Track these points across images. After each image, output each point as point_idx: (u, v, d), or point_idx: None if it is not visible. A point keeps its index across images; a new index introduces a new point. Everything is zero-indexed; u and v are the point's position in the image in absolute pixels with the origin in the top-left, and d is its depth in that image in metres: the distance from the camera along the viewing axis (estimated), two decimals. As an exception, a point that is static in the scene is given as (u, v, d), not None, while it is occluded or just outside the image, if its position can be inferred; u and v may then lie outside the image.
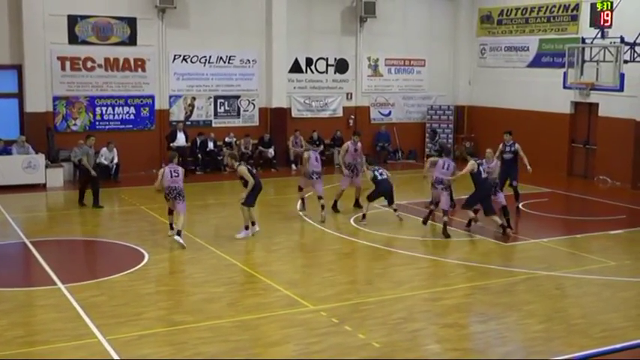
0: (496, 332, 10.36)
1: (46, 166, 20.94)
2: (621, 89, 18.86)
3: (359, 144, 18.15)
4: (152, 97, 23.36)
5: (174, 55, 23.52)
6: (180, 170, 15.06)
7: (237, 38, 24.31)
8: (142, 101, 23.23)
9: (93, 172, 18.20)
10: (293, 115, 25.48)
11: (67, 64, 22.11)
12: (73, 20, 22.04)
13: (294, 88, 25.57)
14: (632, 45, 18.70)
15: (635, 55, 18.85)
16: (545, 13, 24.62)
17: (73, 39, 22.09)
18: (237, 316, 10.64)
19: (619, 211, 18.78)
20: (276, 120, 24.20)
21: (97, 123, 22.69)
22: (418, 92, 27.71)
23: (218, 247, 14.54)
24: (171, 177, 14.77)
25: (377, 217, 17.26)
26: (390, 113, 27.39)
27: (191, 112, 24.09)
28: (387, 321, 10.54)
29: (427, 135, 27.05)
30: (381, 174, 16.77)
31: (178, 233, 14.46)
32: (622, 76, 18.41)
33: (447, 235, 15.39)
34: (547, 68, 24.30)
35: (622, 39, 18.54)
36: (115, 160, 21.83)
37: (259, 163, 23.99)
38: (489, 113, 26.85)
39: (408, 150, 27.40)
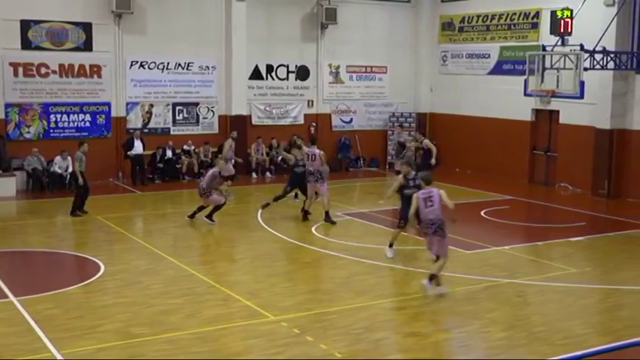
0: (458, 341, 10.39)
1: (-2, 175, 20.42)
2: (581, 96, 19.01)
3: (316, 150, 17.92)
4: (108, 105, 22.95)
5: (132, 62, 23.15)
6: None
7: (196, 44, 24.04)
8: (97, 108, 22.80)
9: (80, 181, 17.95)
10: (253, 122, 25.24)
11: (20, 70, 21.61)
12: (26, 25, 21.55)
13: (255, 95, 25.35)
14: (592, 52, 18.86)
15: (595, 62, 19.01)
16: (506, 20, 24.77)
17: (26, 44, 21.61)
18: (196, 328, 10.47)
19: (580, 218, 18.91)
20: (236, 127, 23.89)
21: (51, 131, 22.19)
22: (380, 99, 27.67)
23: (177, 257, 14.31)
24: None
25: (338, 225, 17.12)
26: (351, 120, 27.30)
27: (149, 119, 23.72)
28: (349, 331, 10.45)
29: (393, 148, 25.29)
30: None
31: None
32: (582, 83, 18.54)
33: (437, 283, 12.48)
34: (508, 75, 24.42)
35: (582, 46, 18.67)
36: (70, 169, 21.30)
37: (219, 171, 23.70)
38: (451, 120, 26.93)
39: (369, 157, 27.32)
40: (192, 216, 17.47)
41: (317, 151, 17.55)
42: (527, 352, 9.81)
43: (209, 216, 17.21)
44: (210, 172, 17.35)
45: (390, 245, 14.46)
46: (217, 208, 17.34)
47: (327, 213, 17.38)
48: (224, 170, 18.86)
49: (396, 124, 27.23)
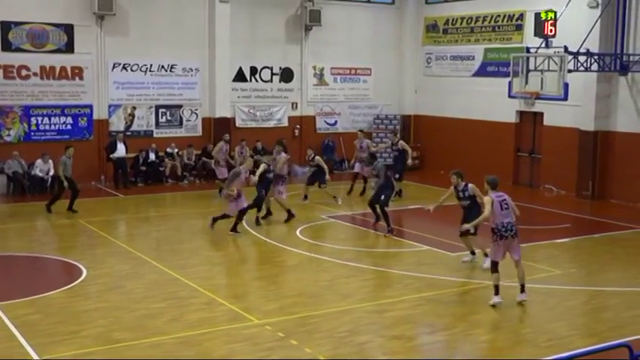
0: (444, 343, 10.38)
1: (-22, 179, 20.20)
2: (565, 98, 19.03)
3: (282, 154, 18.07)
4: (90, 107, 22.73)
5: (114, 64, 22.97)
6: None
7: (179, 46, 23.88)
8: (79, 111, 22.58)
9: (65, 184, 18.07)
10: (237, 124, 25.11)
11: (0, 72, 21.39)
12: (6, 27, 21.32)
13: (238, 97, 25.23)
14: (576, 54, 18.89)
15: (579, 64, 19.05)
16: (490, 22, 24.80)
17: (7, 46, 21.36)
18: (180, 332, 10.38)
19: (564, 220, 18.95)
20: (220, 130, 23.75)
21: (32, 133, 21.95)
22: (364, 101, 27.63)
23: (160, 261, 14.21)
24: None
25: (322, 228, 17.07)
26: (336, 123, 27.23)
27: (131, 122, 23.53)
28: (334, 334, 10.41)
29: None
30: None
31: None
32: (566, 85, 18.56)
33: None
34: (492, 77, 24.44)
35: (566, 48, 18.69)
36: (51, 172, 21.09)
37: (203, 174, 23.54)
38: (435, 122, 26.94)
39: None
40: (213, 222, 16.77)
41: (280, 155, 17.89)
42: (512, 355, 9.81)
43: (233, 228, 16.36)
44: (238, 170, 16.84)
45: (473, 253, 14.21)
46: (225, 216, 16.55)
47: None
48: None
49: (380, 125, 27.23)
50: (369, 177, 19.38)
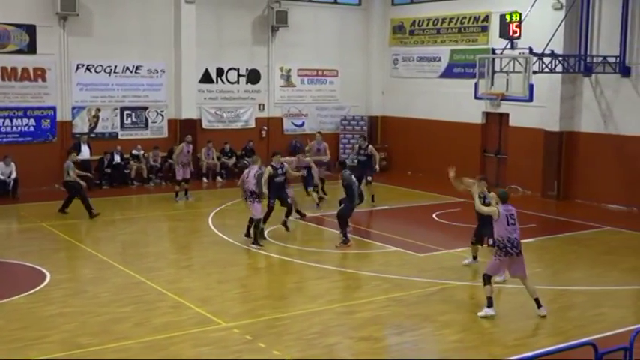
0: (412, 344, 10.38)
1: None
2: (530, 99, 19.13)
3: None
4: (53, 109, 22.39)
5: (77, 65, 22.65)
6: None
7: (145, 47, 23.65)
8: (42, 112, 22.23)
9: (84, 184, 18.38)
10: (204, 126, 24.93)
11: (-40, 73, 21.06)
12: (-34, 27, 20.99)
13: (205, 98, 25.04)
14: (541, 56, 19.03)
15: (544, 65, 19.20)
16: (456, 24, 24.94)
17: (-33, 47, 21.04)
18: (146, 337, 10.28)
19: (530, 220, 19.00)
20: (186, 132, 23.52)
21: (-6, 136, 21.63)
22: (331, 103, 27.60)
23: (125, 264, 14.06)
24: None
25: (291, 229, 16.97)
26: (303, 124, 27.17)
27: (96, 123, 23.23)
28: (302, 336, 10.39)
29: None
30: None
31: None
32: (531, 86, 18.66)
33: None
34: (459, 79, 24.57)
35: (531, 50, 18.83)
36: (14, 175, 20.75)
37: (169, 176, 23.31)
38: (402, 124, 27.00)
39: (321, 161, 27.20)
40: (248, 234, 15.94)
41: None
42: (479, 354, 9.86)
43: (254, 241, 15.50)
44: (253, 171, 15.75)
45: (475, 257, 14.16)
46: (252, 222, 15.66)
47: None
48: None
49: (347, 127, 27.23)
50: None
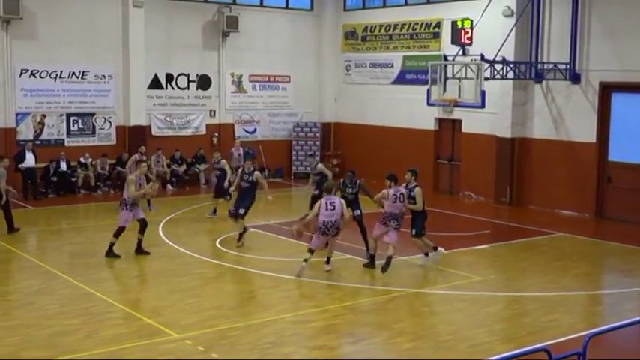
0: (366, 352, 10.31)
1: None
2: (483, 106, 19.23)
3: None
4: (-4, 115, 21.87)
5: (21, 70, 22.14)
6: (338, 202, 13.96)
7: (91, 52, 23.20)
8: (-16, 119, 21.66)
9: (4, 198, 16.85)
10: (153, 133, 24.54)
11: None
12: None
13: (154, 105, 24.67)
14: (492, 62, 19.14)
15: (495, 72, 19.32)
16: (408, 30, 25.00)
17: None
18: (95, 349, 10.02)
19: (483, 226, 19.19)
20: (135, 139, 23.17)
21: None
22: (284, 109, 27.44)
23: (73, 275, 13.71)
24: (327, 209, 13.70)
25: (244, 238, 16.70)
26: (255, 131, 26.94)
27: (41, 130, 22.72)
28: (256, 346, 10.23)
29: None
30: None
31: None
32: (483, 93, 18.75)
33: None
34: (411, 85, 24.63)
35: (482, 56, 18.93)
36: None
37: (117, 184, 22.81)
38: (355, 130, 26.97)
39: (274, 168, 27.01)
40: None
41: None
42: (434, 363, 9.83)
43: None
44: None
45: (426, 254, 14.77)
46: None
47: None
48: None
49: (300, 133, 27.07)
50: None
